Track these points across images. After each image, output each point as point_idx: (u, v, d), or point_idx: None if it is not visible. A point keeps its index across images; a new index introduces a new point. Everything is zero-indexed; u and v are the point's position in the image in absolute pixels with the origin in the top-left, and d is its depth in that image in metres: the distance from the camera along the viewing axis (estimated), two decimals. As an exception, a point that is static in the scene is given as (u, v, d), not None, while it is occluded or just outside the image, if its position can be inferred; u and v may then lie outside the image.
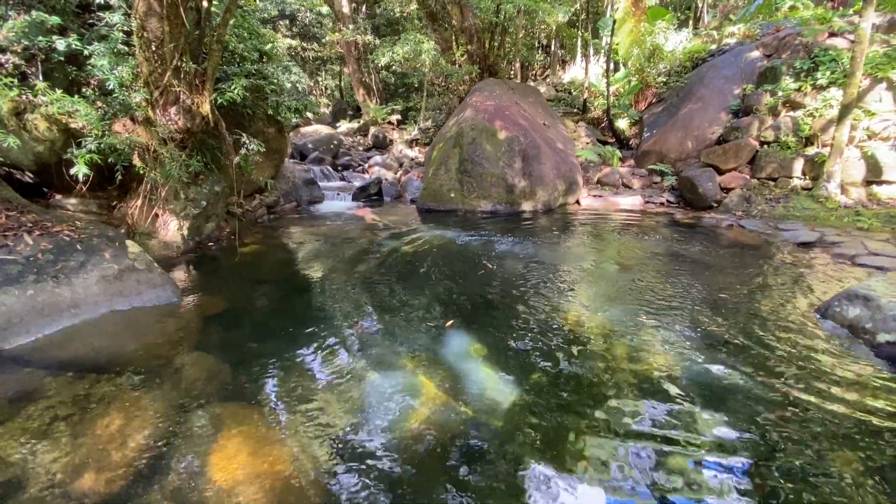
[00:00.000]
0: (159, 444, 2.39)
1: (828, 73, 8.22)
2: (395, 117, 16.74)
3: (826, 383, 2.89)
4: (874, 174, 7.25)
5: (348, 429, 2.51)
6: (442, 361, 3.20)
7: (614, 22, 12.03)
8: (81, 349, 3.34)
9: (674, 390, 2.82)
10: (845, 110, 7.03)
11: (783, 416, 2.58)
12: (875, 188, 7.25)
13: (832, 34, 9.02)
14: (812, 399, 2.73)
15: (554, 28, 16.22)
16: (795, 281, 4.72)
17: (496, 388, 2.88)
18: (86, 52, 4.81)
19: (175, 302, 4.20)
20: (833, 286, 4.47)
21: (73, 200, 5.34)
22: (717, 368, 3.07)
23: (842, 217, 6.73)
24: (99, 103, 5.02)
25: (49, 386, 2.88)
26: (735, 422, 2.53)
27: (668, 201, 8.86)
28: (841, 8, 11.42)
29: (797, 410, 2.63)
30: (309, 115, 14.06)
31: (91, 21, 5.28)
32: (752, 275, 4.86)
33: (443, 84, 14.32)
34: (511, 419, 2.58)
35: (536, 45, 19.79)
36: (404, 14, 17.03)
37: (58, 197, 5.36)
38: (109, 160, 4.78)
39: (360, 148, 15.46)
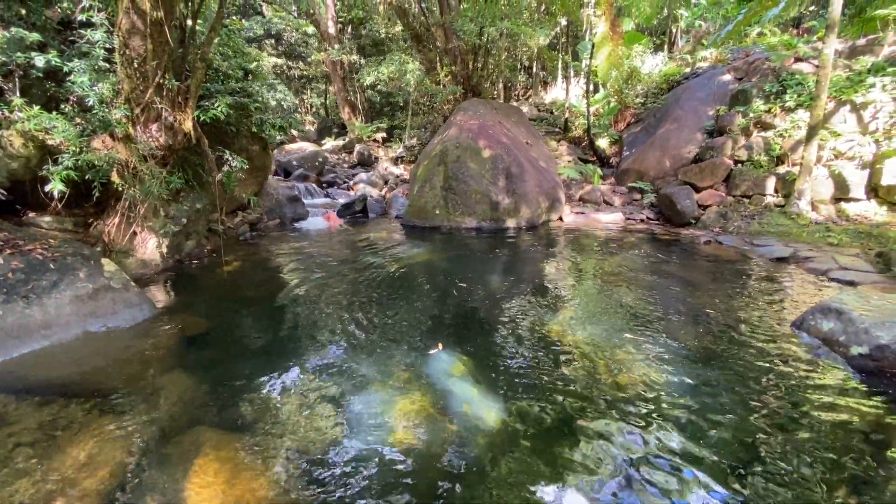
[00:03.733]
0: (132, 470, 2.29)
1: (795, 95, 8.62)
2: (380, 135, 16.87)
3: (805, 396, 2.95)
4: (842, 192, 7.55)
5: (330, 452, 2.45)
6: (425, 381, 3.16)
7: (593, 45, 12.44)
8: (51, 372, 3.21)
9: (657, 404, 2.84)
10: (812, 131, 7.35)
11: (764, 428, 2.61)
12: (843, 205, 7.55)
13: (798, 59, 9.49)
14: (792, 411, 2.78)
15: (535, 50, 16.68)
16: (771, 295, 4.84)
17: (480, 406, 2.86)
18: (66, 69, 4.75)
19: (152, 322, 4.09)
20: (807, 300, 4.60)
21: (47, 218, 5.20)
22: (697, 382, 3.10)
23: (813, 233, 6.97)
24: (78, 120, 4.95)
25: (14, 411, 2.75)
26: (716, 435, 2.55)
27: (648, 218, 9.05)
28: (805, 35, 12.06)
29: (777, 422, 2.67)
30: (294, 132, 14.09)
31: (72, 38, 5.24)
32: (731, 289, 4.97)
33: (427, 103, 14.54)
34: (495, 437, 2.56)
35: (519, 66, 20.28)
36: (389, 35, 17.33)
37: (31, 214, 5.21)
38: (87, 177, 4.68)
39: (346, 165, 15.49)
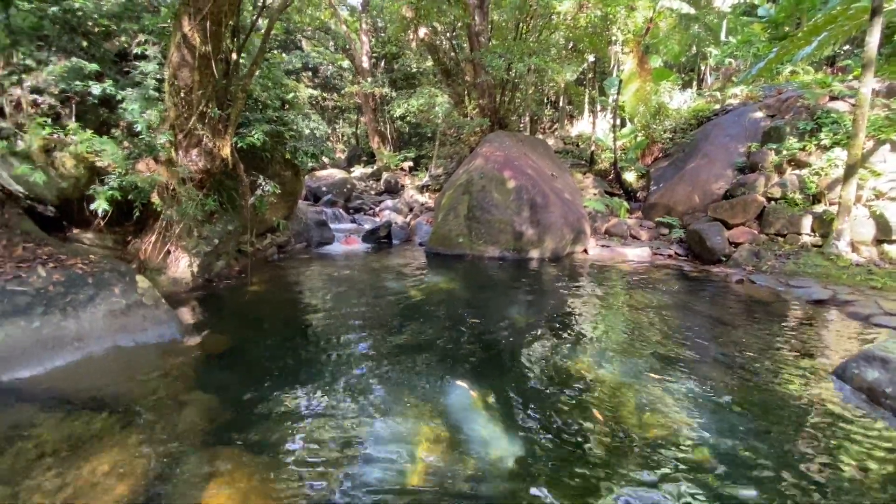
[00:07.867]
0: (149, 487, 2.30)
1: (831, 134, 8.41)
2: (407, 164, 17.28)
3: (847, 452, 2.73)
4: (884, 233, 7.22)
5: (346, 481, 2.40)
6: (444, 412, 3.10)
7: (620, 81, 12.57)
8: (80, 385, 3.30)
9: (685, 452, 2.69)
10: (850, 170, 7.11)
11: (803, 489, 2.42)
12: (886, 247, 7.20)
13: (833, 98, 9.32)
14: (834, 470, 2.58)
15: (562, 85, 16.96)
16: (810, 340, 4.59)
17: (500, 441, 2.77)
18: (119, 97, 5.10)
19: (179, 339, 4.18)
20: (849, 346, 4.33)
21: (89, 235, 5.48)
22: (728, 432, 2.93)
23: (854, 275, 6.64)
24: (126, 144, 5.26)
25: (42, 422, 2.82)
26: (750, 492, 2.38)
27: (676, 254, 8.83)
28: (840, 73, 11.87)
29: (818, 482, 2.47)
30: (325, 159, 14.58)
31: (127, 69, 5.64)
32: (765, 332, 4.74)
33: (454, 134, 14.87)
34: (514, 476, 2.46)
35: (545, 100, 20.62)
36: (420, 69, 17.98)
37: (75, 231, 5.51)
38: (129, 197, 4.94)
39: (373, 192, 15.87)
